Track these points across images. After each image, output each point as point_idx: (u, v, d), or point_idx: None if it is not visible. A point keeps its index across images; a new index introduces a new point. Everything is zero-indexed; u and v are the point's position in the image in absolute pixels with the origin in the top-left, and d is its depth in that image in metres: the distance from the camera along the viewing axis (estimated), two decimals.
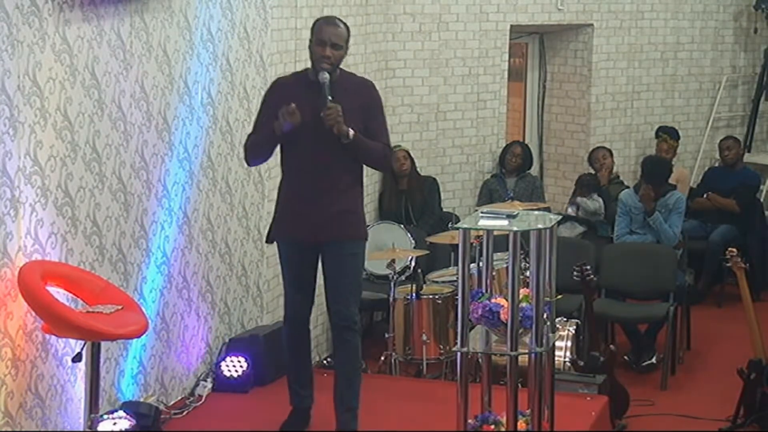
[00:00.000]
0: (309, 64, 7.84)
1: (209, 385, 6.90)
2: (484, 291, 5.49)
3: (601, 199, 9.57)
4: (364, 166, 6.09)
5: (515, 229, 5.30)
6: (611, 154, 10.02)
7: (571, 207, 9.69)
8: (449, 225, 8.27)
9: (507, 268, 5.58)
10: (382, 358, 7.66)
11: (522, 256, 6.18)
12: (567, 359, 7.23)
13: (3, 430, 5.28)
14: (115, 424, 5.60)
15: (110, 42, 5.91)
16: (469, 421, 5.53)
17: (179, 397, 6.77)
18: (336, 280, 5.99)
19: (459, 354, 5.42)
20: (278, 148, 6.03)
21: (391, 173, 9.24)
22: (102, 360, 5.57)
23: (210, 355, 7.06)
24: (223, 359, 6.97)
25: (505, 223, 5.38)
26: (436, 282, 7.86)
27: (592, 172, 9.97)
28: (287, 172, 6.06)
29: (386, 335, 7.59)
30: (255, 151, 6.06)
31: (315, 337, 8.13)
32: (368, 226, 8.77)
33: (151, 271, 6.40)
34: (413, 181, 9.30)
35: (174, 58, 6.48)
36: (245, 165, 7.24)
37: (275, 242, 6.13)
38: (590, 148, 10.20)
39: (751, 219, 9.94)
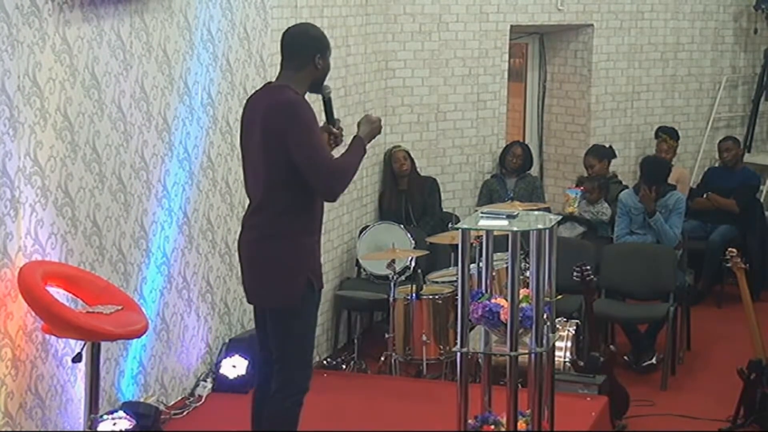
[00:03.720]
0: None
1: (209, 385, 6.91)
2: (484, 291, 5.49)
3: (608, 207, 9.44)
4: None
5: (515, 229, 5.30)
6: (600, 159, 9.84)
7: (584, 212, 9.52)
8: (449, 225, 8.27)
9: (507, 268, 5.58)
10: (382, 358, 7.66)
11: (522, 256, 6.18)
12: (567, 359, 7.23)
13: (3, 430, 5.28)
14: (115, 424, 5.60)
15: (110, 42, 5.92)
16: (469, 421, 5.53)
17: (179, 397, 6.77)
18: None
19: (459, 354, 5.42)
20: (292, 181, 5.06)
21: (390, 173, 9.24)
22: (102, 360, 5.58)
23: (210, 355, 7.06)
24: (223, 359, 6.97)
25: (505, 223, 5.38)
26: (436, 282, 7.86)
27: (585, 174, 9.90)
28: (309, 207, 5.14)
29: (386, 335, 7.59)
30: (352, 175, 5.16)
31: (315, 338, 8.13)
32: (368, 226, 8.82)
33: (151, 272, 6.40)
34: (413, 182, 9.30)
35: (174, 58, 6.48)
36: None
37: (307, 291, 5.15)
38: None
39: (751, 219, 9.93)
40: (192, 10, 6.62)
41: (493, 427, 5.53)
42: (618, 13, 10.49)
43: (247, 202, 7.26)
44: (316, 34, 5.17)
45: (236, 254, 7.15)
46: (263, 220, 5.09)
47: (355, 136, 5.24)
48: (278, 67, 7.44)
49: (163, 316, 6.56)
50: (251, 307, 7.39)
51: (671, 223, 8.74)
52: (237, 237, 7.18)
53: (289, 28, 5.26)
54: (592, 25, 10.37)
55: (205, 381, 6.92)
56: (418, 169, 9.39)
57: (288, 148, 4.95)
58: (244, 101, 7.11)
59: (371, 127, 5.29)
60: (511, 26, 10.00)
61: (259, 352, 5.40)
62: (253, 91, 5.49)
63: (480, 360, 5.78)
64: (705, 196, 10.01)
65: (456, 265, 6.85)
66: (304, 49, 5.10)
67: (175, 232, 6.60)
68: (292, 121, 4.95)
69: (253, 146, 5.10)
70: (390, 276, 7.57)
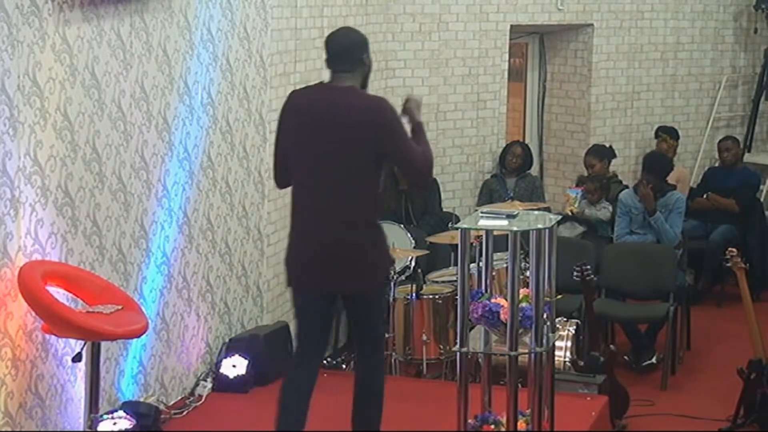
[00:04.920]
0: (308, 65, 7.89)
1: (209, 385, 6.90)
2: (484, 291, 5.49)
3: (609, 206, 9.43)
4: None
5: (515, 229, 5.30)
6: (601, 159, 9.84)
7: (588, 209, 9.49)
8: (449, 225, 8.27)
9: (507, 268, 5.58)
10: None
11: (522, 256, 6.18)
12: (567, 359, 7.22)
13: (3, 430, 5.28)
14: (115, 424, 5.60)
15: (110, 42, 5.91)
16: (469, 421, 5.53)
17: (179, 397, 6.77)
18: None
19: (459, 354, 5.42)
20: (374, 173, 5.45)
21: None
22: (102, 360, 5.57)
23: (210, 355, 7.06)
24: (223, 359, 6.97)
25: (505, 223, 5.38)
26: (436, 282, 7.86)
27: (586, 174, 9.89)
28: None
29: (386, 335, 7.59)
30: None
31: None
32: None
33: (151, 271, 6.40)
34: None
35: (174, 58, 6.48)
36: (244, 165, 7.26)
37: None
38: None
39: (751, 219, 9.94)
40: (192, 10, 6.62)
41: (493, 427, 5.53)
42: (618, 12, 10.49)
43: (247, 200, 7.28)
44: (357, 36, 5.55)
45: (236, 254, 7.21)
46: (353, 209, 5.35)
47: (416, 123, 5.57)
48: (278, 67, 7.52)
49: (163, 316, 6.56)
50: (251, 307, 7.44)
51: (671, 222, 8.74)
52: (237, 237, 7.20)
53: (331, 35, 5.53)
54: (592, 24, 10.37)
55: (205, 381, 6.92)
56: None
57: (382, 144, 5.31)
58: (244, 101, 7.16)
59: (419, 109, 5.65)
60: (511, 26, 10.00)
61: (307, 345, 5.51)
62: (300, 89, 5.73)
63: (480, 360, 5.79)
64: (705, 196, 10.01)
65: (456, 264, 6.85)
66: (353, 52, 5.45)
67: (175, 231, 6.60)
68: (392, 120, 5.38)
69: (325, 141, 5.33)
70: (390, 276, 7.57)
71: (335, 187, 5.34)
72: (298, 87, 7.64)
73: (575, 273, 7.20)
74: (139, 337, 5.70)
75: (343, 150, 5.31)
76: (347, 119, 5.31)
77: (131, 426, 5.67)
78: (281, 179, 5.60)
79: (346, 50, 5.43)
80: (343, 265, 5.37)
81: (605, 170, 9.79)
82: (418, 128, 5.55)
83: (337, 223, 5.34)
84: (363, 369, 5.56)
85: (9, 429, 5.32)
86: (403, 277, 7.90)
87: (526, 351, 5.36)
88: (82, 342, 5.41)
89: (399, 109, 5.58)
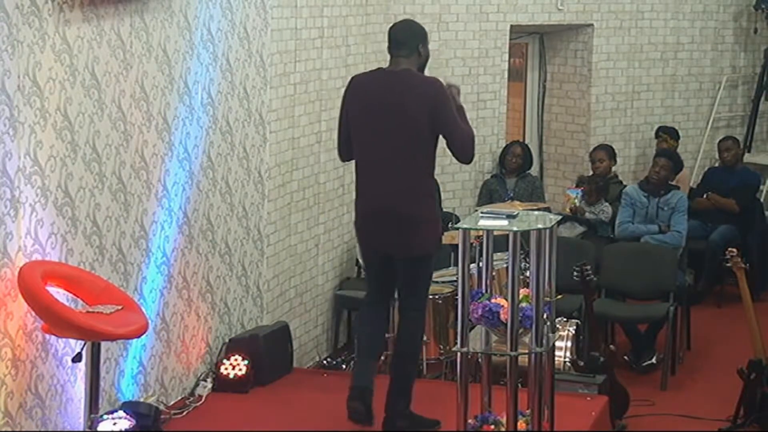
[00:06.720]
0: (308, 65, 7.90)
1: (209, 385, 6.90)
2: (484, 291, 5.50)
3: (609, 206, 9.44)
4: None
5: (515, 229, 5.30)
6: (609, 157, 9.87)
7: (589, 214, 9.49)
8: (449, 225, 8.27)
9: (507, 268, 5.58)
10: (382, 358, 7.65)
11: (522, 256, 6.18)
12: (567, 359, 7.23)
13: (3, 430, 5.28)
14: (115, 424, 5.59)
15: (110, 42, 5.92)
16: (469, 421, 5.53)
17: (179, 397, 6.77)
18: None
19: (459, 354, 5.42)
20: (430, 148, 6.06)
21: None
22: (102, 360, 5.57)
23: (210, 355, 7.06)
24: (223, 359, 6.97)
25: (505, 223, 5.38)
26: (436, 282, 7.84)
27: (591, 173, 9.89)
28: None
29: (386, 335, 7.58)
30: None
31: (315, 338, 8.15)
32: None
33: (151, 271, 6.40)
34: None
35: (174, 58, 6.48)
36: (244, 165, 7.26)
37: None
38: (590, 148, 10.16)
39: (751, 219, 9.94)
40: (192, 10, 6.62)
41: (493, 427, 5.54)
42: (618, 13, 10.49)
43: (247, 200, 7.28)
44: (416, 27, 6.14)
45: (236, 254, 7.21)
46: (412, 181, 5.95)
47: (457, 107, 6.00)
48: (278, 67, 7.52)
49: (163, 316, 6.56)
50: (251, 307, 7.44)
51: (676, 221, 8.79)
52: (237, 237, 7.19)
53: (394, 24, 6.21)
54: (592, 25, 10.38)
55: (205, 381, 6.91)
56: None
57: (433, 117, 5.87)
58: (244, 101, 7.16)
59: (459, 95, 6.09)
60: (511, 26, 10.00)
61: (376, 286, 6.28)
62: (361, 73, 6.35)
63: (480, 360, 5.79)
64: (705, 196, 10.01)
65: (456, 265, 6.85)
66: (411, 40, 6.02)
67: (175, 232, 6.60)
68: (444, 98, 5.92)
69: (385, 118, 5.90)
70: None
71: (395, 160, 5.90)
72: (298, 87, 7.72)
73: (575, 273, 7.21)
74: (139, 337, 5.70)
75: (400, 125, 5.87)
76: (404, 97, 5.87)
77: (131, 426, 5.67)
78: (344, 153, 6.22)
79: (404, 38, 6.01)
80: (398, 232, 5.94)
81: (609, 170, 9.80)
82: (459, 112, 6.01)
83: (396, 192, 5.91)
84: (402, 321, 6.20)
85: (9, 429, 5.32)
86: None
87: (526, 351, 5.36)
88: (82, 342, 5.41)
89: None
